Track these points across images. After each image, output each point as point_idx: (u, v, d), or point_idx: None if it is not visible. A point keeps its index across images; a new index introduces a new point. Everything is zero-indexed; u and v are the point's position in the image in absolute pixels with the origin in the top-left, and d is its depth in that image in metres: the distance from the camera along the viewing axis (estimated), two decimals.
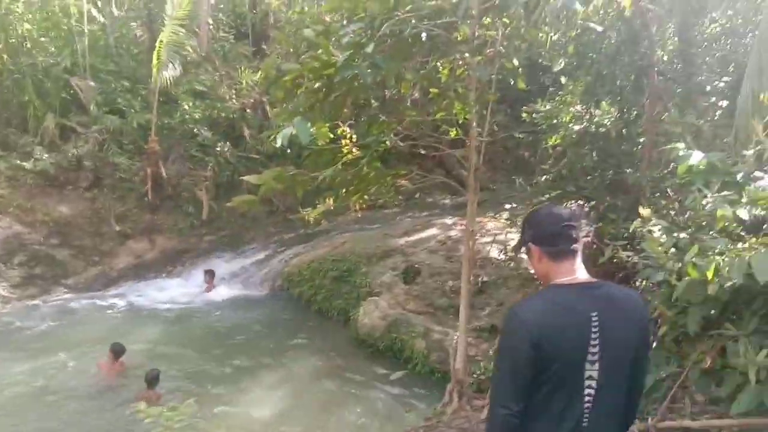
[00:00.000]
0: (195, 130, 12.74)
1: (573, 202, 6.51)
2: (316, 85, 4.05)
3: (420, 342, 7.62)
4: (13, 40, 11.60)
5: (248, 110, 13.82)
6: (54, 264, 10.53)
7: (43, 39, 12.06)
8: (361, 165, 4.43)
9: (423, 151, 5.07)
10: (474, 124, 4.46)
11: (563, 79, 7.34)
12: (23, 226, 10.37)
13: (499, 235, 9.14)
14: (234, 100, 13.72)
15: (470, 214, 4.81)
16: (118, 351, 7.09)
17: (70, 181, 11.45)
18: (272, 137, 3.50)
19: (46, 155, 11.11)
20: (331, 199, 4.87)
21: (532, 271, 2.58)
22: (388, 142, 4.37)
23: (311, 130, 3.27)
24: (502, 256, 8.58)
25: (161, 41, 11.40)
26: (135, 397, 6.41)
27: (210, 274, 10.76)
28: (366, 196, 4.91)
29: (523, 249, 2.09)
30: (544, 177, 7.18)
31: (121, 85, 12.57)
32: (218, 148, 12.80)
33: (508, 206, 9.41)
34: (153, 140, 11.77)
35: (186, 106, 12.80)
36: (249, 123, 13.59)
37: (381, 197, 4.97)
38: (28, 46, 11.77)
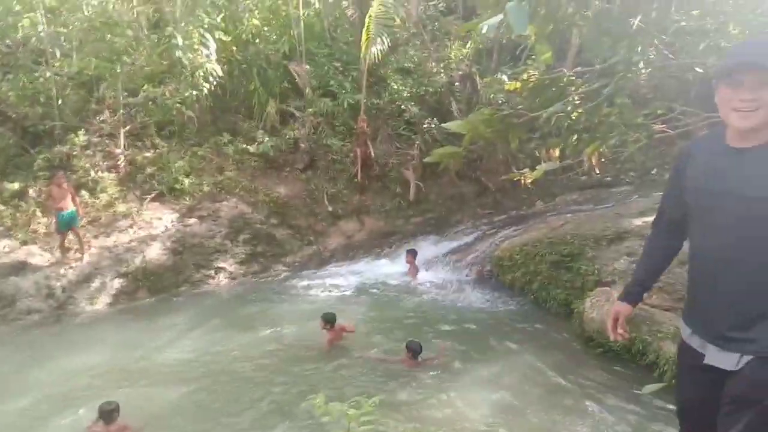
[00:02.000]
0: (402, 107, 12.36)
1: None
2: None
3: (669, 345, 5.98)
4: (243, 35, 12.35)
5: (456, 83, 13.03)
6: (273, 243, 10.94)
7: (265, 29, 12.67)
8: (599, 101, 3.21)
9: (700, 69, 3.48)
10: None
11: None
12: (247, 206, 10.96)
13: None
14: (442, 74, 13.04)
15: None
16: (329, 320, 7.26)
17: (288, 162, 11.88)
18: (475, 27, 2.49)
19: (267, 138, 11.65)
20: (557, 151, 3.68)
21: None
22: (641, 63, 3.05)
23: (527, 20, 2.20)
24: None
25: (370, 16, 11.15)
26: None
27: (412, 253, 10.22)
28: (604, 148, 3.64)
29: None
30: None
31: (334, 67, 12.69)
32: (425, 125, 12.23)
33: None
34: (362, 120, 11.66)
35: (394, 85, 12.47)
36: (457, 97, 12.80)
37: (626, 147, 3.64)
38: (253, 36, 12.43)
